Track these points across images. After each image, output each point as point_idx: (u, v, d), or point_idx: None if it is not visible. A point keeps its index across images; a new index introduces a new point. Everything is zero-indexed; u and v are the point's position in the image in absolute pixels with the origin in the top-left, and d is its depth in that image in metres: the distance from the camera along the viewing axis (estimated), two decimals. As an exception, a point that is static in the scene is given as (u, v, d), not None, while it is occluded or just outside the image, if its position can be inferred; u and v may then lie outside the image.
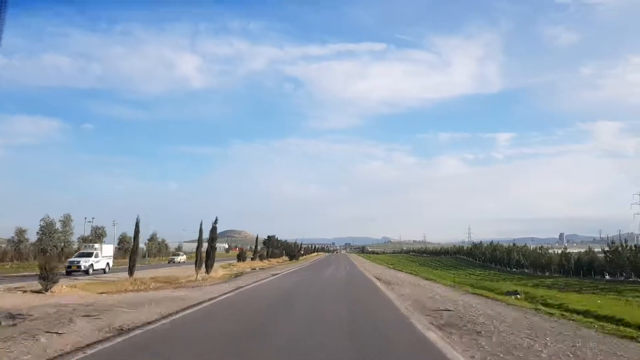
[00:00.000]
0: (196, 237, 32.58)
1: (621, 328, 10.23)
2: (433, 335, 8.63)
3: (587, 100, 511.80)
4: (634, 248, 47.60)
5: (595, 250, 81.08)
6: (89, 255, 33.28)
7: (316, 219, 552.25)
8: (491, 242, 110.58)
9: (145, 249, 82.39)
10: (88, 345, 7.70)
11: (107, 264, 35.34)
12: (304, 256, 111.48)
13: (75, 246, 64.20)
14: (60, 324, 10.02)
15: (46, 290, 18.82)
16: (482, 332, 9.02)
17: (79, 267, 31.27)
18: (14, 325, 10.00)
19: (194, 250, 40.49)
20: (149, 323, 10.04)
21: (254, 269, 50.39)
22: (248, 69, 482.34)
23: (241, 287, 20.52)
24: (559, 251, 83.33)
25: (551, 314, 12.64)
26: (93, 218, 67.83)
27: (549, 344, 8.03)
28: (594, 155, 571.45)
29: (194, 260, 33.48)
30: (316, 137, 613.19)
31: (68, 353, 7.20)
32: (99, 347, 7.67)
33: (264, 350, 7.42)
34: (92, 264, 32.23)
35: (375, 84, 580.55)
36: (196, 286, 24.45)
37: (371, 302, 14.64)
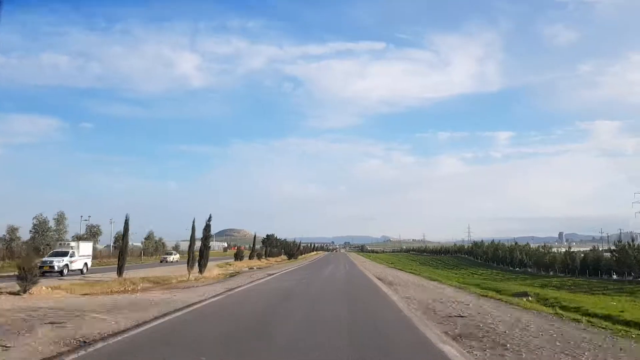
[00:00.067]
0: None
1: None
2: (450, 350, 7.26)
3: (586, 100, 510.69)
4: (642, 247, 46.29)
5: (587, 249, 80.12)
6: (64, 254, 29.88)
7: (315, 218, 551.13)
8: (492, 241, 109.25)
9: (141, 247, 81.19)
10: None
11: (85, 264, 32.19)
12: (303, 255, 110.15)
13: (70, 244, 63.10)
14: (17, 333, 8.67)
15: (24, 291, 17.45)
16: (508, 346, 7.65)
17: (52, 267, 28.06)
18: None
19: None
20: (119, 333, 8.67)
21: (252, 268, 49.09)
22: (247, 67, 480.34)
23: (233, 288, 19.15)
24: (560, 250, 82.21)
25: (577, 321, 11.29)
26: (89, 216, 66.47)
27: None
28: (592, 154, 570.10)
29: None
30: (315, 137, 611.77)
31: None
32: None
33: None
34: (66, 264, 29.10)
35: (374, 83, 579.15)
36: (187, 287, 23.11)
37: (374, 307, 13.28)
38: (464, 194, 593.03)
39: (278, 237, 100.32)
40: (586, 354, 7.22)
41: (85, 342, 7.82)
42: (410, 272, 37.07)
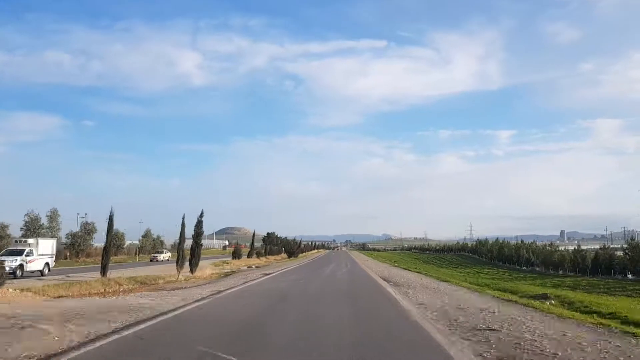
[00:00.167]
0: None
1: None
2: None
3: (588, 98, 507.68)
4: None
5: (595, 247, 77.80)
6: (19, 253, 26.20)
7: (317, 217, 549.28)
8: (497, 239, 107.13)
9: (139, 245, 79.29)
10: None
11: (47, 264, 28.23)
12: (304, 253, 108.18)
13: (63, 242, 61.11)
14: None
15: (-20, 294, 15.40)
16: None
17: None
18: None
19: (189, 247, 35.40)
20: (51, 357, 6.62)
21: (250, 267, 47.19)
22: (249, 66, 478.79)
23: (221, 291, 17.06)
24: (567, 249, 79.96)
25: (631, 334, 9.19)
26: (86, 214, 64.66)
27: None
28: (594, 152, 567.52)
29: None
30: (317, 135, 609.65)
31: None
32: None
33: None
34: (21, 264, 25.53)
35: (375, 81, 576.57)
36: (176, 288, 21.11)
37: (383, 317, 11.19)
38: (465, 192, 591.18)
39: (279, 236, 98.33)
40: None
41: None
42: (416, 272, 34.95)
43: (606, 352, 7.26)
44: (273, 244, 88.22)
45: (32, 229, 54.72)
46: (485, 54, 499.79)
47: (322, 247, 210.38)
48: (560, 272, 59.04)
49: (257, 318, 10.62)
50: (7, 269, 23.71)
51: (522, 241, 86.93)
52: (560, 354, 6.99)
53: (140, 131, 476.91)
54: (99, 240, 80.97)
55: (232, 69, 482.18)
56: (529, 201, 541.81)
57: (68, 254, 57.58)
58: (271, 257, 73.69)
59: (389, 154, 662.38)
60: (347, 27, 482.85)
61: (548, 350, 7.29)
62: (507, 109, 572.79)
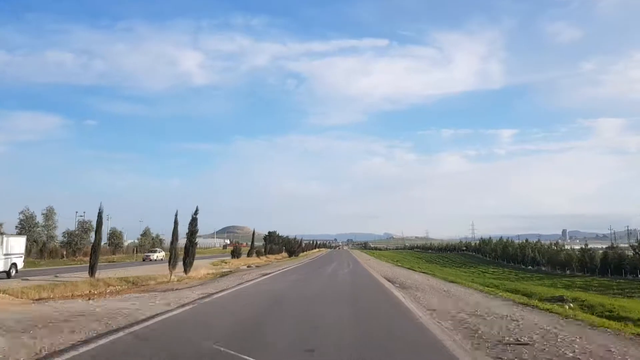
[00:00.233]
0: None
1: None
2: None
3: (589, 97, 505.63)
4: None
5: (599, 246, 76.15)
6: None
7: (318, 216, 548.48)
8: (500, 238, 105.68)
9: (137, 244, 78.05)
10: None
11: (14, 264, 25.44)
12: (305, 252, 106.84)
13: (59, 240, 59.86)
14: None
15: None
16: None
17: None
18: None
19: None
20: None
21: (249, 266, 45.88)
22: (250, 65, 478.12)
23: (212, 294, 15.63)
24: (573, 248, 78.33)
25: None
26: (84, 212, 63.54)
27: None
28: (596, 152, 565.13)
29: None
30: (318, 134, 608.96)
31: None
32: None
33: None
34: None
35: (377, 80, 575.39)
36: (167, 289, 19.73)
37: (393, 327, 9.80)
38: (466, 192, 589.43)
39: (280, 235, 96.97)
40: None
41: None
42: (421, 272, 33.52)
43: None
44: (274, 243, 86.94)
45: (27, 227, 53.64)
46: (486, 54, 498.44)
47: (324, 246, 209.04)
48: (568, 272, 57.58)
49: (245, 330, 9.24)
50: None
51: (527, 240, 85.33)
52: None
53: (141, 130, 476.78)
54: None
55: (234, 68, 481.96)
56: (530, 200, 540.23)
57: (65, 252, 56.39)
58: (271, 256, 72.38)
59: (390, 153, 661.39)
60: (349, 26, 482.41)
61: (598, 372, 5.90)
62: (509, 109, 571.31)
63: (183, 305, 12.12)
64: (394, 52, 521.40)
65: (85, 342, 7.44)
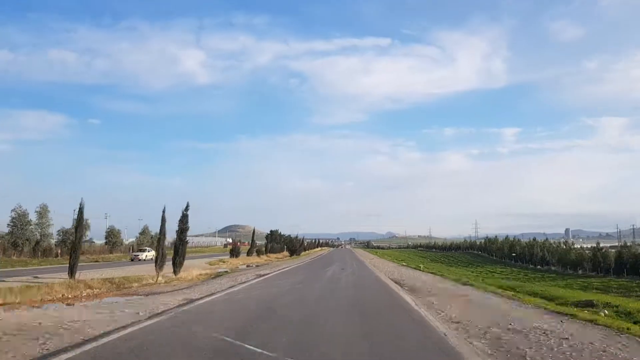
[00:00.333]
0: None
1: None
2: None
3: (592, 96, 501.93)
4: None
5: (607, 245, 73.88)
6: None
7: (321, 214, 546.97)
8: (507, 237, 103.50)
9: (134, 242, 76.28)
10: None
11: None
12: (307, 251, 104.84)
13: (55, 238, 58.00)
14: None
15: None
16: None
17: None
18: None
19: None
20: None
21: (249, 265, 43.99)
22: (253, 64, 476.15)
23: (194, 300, 13.54)
24: (582, 246, 76.03)
25: None
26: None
27: None
28: (599, 150, 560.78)
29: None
30: (321, 133, 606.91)
31: None
32: None
33: None
34: None
35: (380, 79, 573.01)
36: (149, 293, 17.74)
37: (410, 348, 7.71)
38: (469, 190, 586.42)
39: (282, 233, 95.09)
40: None
41: None
42: (429, 272, 31.38)
43: None
44: (276, 242, 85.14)
45: (19, 225, 51.96)
46: (489, 52, 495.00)
47: (326, 244, 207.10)
48: (580, 271, 55.34)
49: (219, 353, 7.18)
50: None
51: (534, 239, 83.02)
52: None
53: (144, 129, 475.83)
54: (96, 237, 78.17)
55: (236, 67, 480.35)
56: (533, 199, 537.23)
57: (59, 251, 54.62)
58: (272, 255, 70.45)
59: (393, 152, 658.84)
60: (351, 25, 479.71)
61: None
62: (512, 107, 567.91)
63: (155, 316, 10.05)
64: (396, 51, 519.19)
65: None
